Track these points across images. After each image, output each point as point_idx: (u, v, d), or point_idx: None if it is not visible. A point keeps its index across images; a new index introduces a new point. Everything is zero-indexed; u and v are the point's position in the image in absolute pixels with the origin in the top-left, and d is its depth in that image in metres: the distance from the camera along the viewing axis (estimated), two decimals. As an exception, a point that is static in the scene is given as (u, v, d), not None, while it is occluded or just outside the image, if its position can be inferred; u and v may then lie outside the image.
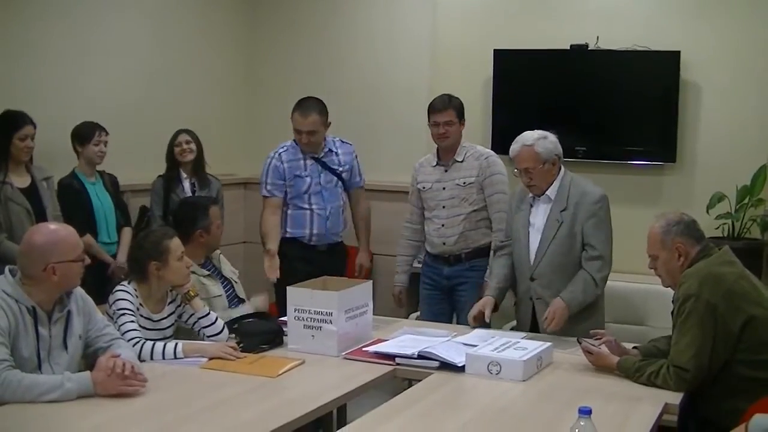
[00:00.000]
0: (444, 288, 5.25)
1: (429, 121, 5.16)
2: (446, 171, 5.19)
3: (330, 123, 5.45)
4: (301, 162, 5.43)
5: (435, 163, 5.24)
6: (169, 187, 5.92)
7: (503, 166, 5.16)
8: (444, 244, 5.17)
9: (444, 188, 5.18)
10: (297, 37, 7.51)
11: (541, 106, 6.48)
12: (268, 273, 5.27)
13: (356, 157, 5.63)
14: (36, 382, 3.31)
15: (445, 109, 5.12)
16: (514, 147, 4.43)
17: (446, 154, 5.19)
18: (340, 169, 5.51)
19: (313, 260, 5.36)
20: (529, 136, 4.41)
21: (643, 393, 3.52)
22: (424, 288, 5.33)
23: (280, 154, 5.46)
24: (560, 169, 4.47)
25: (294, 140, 5.46)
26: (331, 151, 5.51)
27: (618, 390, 3.56)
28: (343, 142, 5.60)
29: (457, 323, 5.08)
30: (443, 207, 5.16)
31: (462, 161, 5.16)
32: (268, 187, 5.44)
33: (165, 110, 6.69)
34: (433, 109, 5.16)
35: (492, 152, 5.24)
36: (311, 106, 5.36)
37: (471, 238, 5.16)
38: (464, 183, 5.12)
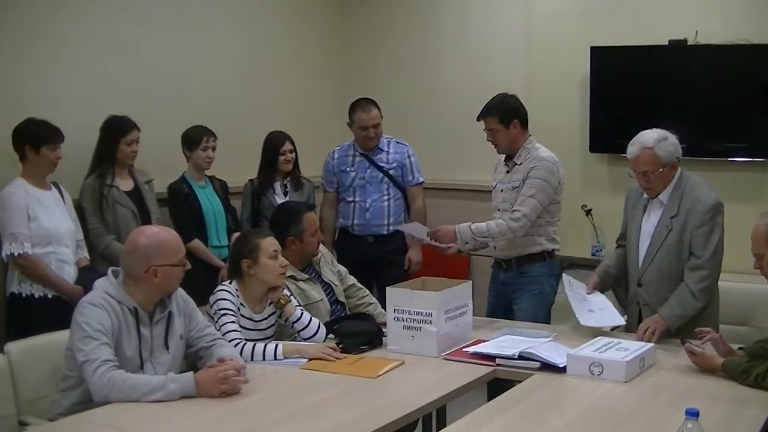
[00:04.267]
0: (502, 294, 5.12)
1: None
2: (508, 172, 5.01)
3: (382, 117, 5.96)
4: (350, 158, 6.06)
5: (504, 161, 5.09)
6: (261, 191, 5.95)
7: (550, 173, 4.86)
8: (495, 248, 5.06)
9: (502, 190, 5.04)
10: (390, 38, 7.53)
11: (640, 104, 6.38)
12: None
13: (410, 156, 6.07)
14: (140, 382, 3.37)
15: (484, 117, 4.95)
16: (632, 149, 4.25)
17: (511, 155, 5.01)
18: (386, 166, 5.98)
19: (359, 250, 5.95)
20: (648, 138, 4.23)
21: (750, 395, 3.45)
22: (489, 294, 5.22)
23: (333, 152, 6.16)
24: (678, 171, 4.30)
25: (352, 142, 6.03)
26: (380, 149, 5.99)
27: (723, 392, 3.49)
28: (398, 142, 6.08)
29: None
30: (498, 209, 5.02)
31: (520, 164, 4.94)
32: (324, 184, 6.19)
33: (261, 114, 6.74)
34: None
35: (547, 159, 4.90)
36: (369, 102, 5.99)
37: (519, 244, 4.95)
38: (512, 188, 4.94)
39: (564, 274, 4.66)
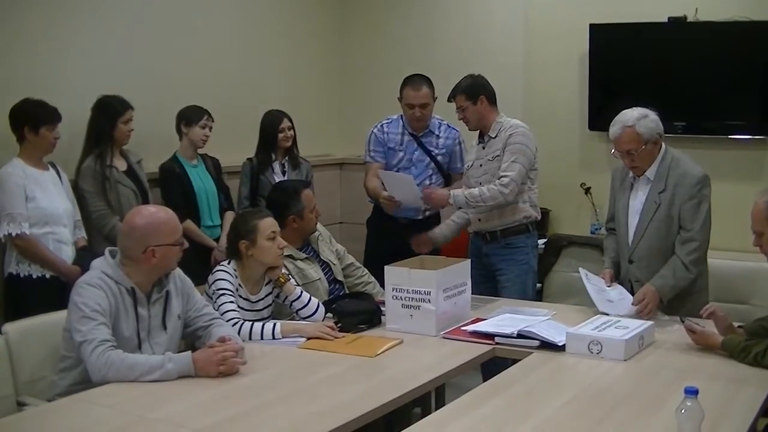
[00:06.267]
0: (486, 266, 5.20)
1: None
2: (483, 148, 5.18)
3: (436, 98, 5.62)
4: (399, 137, 5.69)
5: (477, 142, 5.26)
6: (259, 170, 5.91)
7: (527, 137, 5.05)
8: (479, 220, 5.19)
9: (481, 165, 5.16)
10: (389, 17, 7.49)
11: (639, 82, 6.35)
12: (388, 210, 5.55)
13: (460, 143, 5.76)
14: (138, 362, 3.37)
15: (453, 97, 5.19)
16: (614, 129, 4.29)
17: (483, 131, 5.21)
18: (436, 151, 5.68)
19: (393, 233, 5.58)
20: (629, 116, 4.27)
21: (749, 374, 3.44)
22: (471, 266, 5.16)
23: (382, 125, 5.75)
24: (661, 147, 4.34)
25: (400, 115, 5.71)
26: (431, 132, 5.70)
27: (722, 370, 3.49)
28: (449, 126, 5.76)
29: None
30: (480, 183, 5.08)
31: (495, 137, 5.11)
32: (371, 154, 5.74)
33: (257, 94, 6.70)
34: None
35: (522, 125, 5.13)
36: (421, 80, 5.61)
37: (505, 213, 5.10)
38: (492, 157, 5.08)
39: (581, 269, 4.62)
